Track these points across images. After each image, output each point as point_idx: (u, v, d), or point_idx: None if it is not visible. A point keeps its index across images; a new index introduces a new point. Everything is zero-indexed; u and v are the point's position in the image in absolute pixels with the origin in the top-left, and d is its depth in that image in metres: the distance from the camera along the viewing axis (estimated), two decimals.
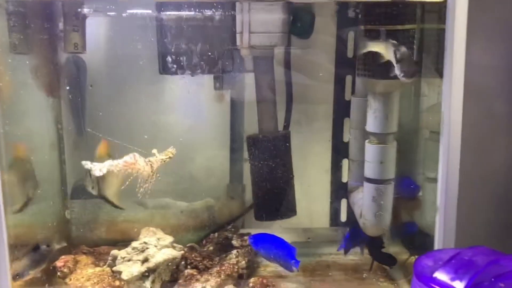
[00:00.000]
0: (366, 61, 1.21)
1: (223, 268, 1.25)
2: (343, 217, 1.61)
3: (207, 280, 1.21)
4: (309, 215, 1.62)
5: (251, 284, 1.23)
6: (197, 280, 1.23)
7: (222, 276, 1.23)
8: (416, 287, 0.81)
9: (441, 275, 0.78)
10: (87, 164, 1.18)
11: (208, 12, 1.36)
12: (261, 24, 1.34)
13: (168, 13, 1.37)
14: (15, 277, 1.20)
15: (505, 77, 1.43)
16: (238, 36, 1.35)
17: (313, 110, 1.58)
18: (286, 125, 1.49)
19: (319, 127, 1.59)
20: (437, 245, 1.09)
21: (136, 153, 1.20)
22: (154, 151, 1.24)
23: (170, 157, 1.24)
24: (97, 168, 1.17)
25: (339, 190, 1.60)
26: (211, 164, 1.60)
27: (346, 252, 1.42)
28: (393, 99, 1.23)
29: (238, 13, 1.33)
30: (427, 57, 1.26)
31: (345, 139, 1.56)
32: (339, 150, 1.58)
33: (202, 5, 1.35)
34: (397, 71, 1.09)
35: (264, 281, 1.23)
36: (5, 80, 1.20)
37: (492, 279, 0.77)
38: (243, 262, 1.33)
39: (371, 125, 1.26)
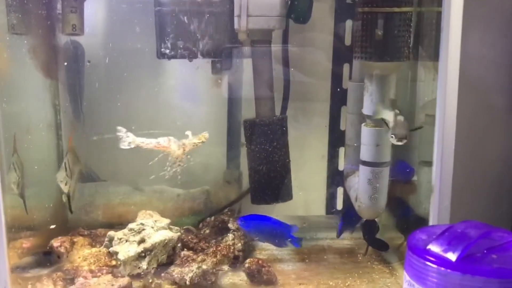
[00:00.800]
0: (363, 44, 1.22)
1: (219, 248, 1.26)
2: (339, 206, 1.62)
3: (203, 260, 1.21)
4: (305, 203, 1.63)
5: (247, 265, 1.23)
6: (193, 260, 1.23)
7: (218, 256, 1.23)
8: (410, 260, 0.82)
9: (435, 247, 0.79)
10: (121, 130, 1.19)
11: None
12: (259, 7, 1.34)
13: None
14: (15, 269, 1.20)
15: (501, 68, 1.44)
16: (236, 19, 1.35)
17: (310, 97, 1.58)
18: (283, 110, 1.50)
19: (316, 114, 1.60)
20: (431, 224, 1.10)
21: (171, 137, 1.22)
22: (188, 133, 1.24)
23: (202, 141, 1.25)
24: (127, 141, 1.18)
25: (335, 179, 1.61)
26: (208, 149, 1.60)
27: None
28: (390, 82, 1.24)
29: None
30: (423, 40, 1.27)
31: (342, 128, 1.57)
32: (336, 138, 1.58)
33: None
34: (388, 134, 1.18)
35: (260, 262, 1.24)
36: (3, 59, 1.20)
37: (485, 251, 0.78)
38: (239, 244, 1.34)
39: (368, 108, 1.27)
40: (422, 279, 0.79)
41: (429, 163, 1.19)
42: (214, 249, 1.26)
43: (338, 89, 1.55)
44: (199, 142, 1.24)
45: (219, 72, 1.50)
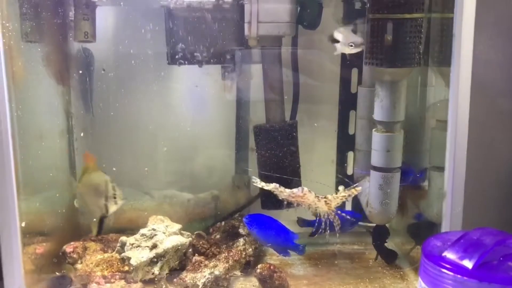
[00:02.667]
0: (373, 50, 1.22)
1: (231, 254, 1.26)
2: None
3: (215, 266, 1.22)
4: None
5: (258, 270, 1.23)
6: (206, 266, 1.24)
7: (230, 262, 1.24)
8: (425, 267, 0.82)
9: (450, 254, 0.79)
10: (256, 181, 1.25)
11: (217, 2, 1.37)
12: (269, 13, 1.35)
13: (176, 2, 1.38)
14: None
15: (509, 72, 1.44)
16: (246, 26, 1.36)
17: (319, 102, 1.59)
18: (293, 115, 1.50)
19: (325, 119, 1.60)
20: (444, 230, 1.11)
21: (306, 187, 1.23)
22: (341, 187, 1.25)
23: (349, 196, 1.23)
24: (261, 185, 1.24)
25: (345, 183, 1.61)
26: (217, 154, 1.62)
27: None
28: (401, 88, 1.25)
29: (247, 3, 1.34)
30: (434, 46, 1.28)
31: (351, 132, 1.57)
32: (345, 143, 1.59)
33: None
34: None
35: (272, 267, 1.24)
36: (18, 67, 1.21)
37: (501, 259, 0.78)
38: (250, 249, 1.35)
39: (378, 113, 1.27)
40: (437, 286, 0.80)
41: (440, 169, 1.19)
42: (226, 254, 1.26)
43: (347, 94, 1.55)
44: (347, 196, 1.23)
45: (229, 78, 1.51)
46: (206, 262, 1.27)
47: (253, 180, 1.27)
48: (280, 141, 1.43)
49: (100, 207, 1.26)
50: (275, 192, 1.23)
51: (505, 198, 1.28)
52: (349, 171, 1.60)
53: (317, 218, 1.36)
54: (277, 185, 1.23)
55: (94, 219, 1.31)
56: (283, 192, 1.22)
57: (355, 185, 1.24)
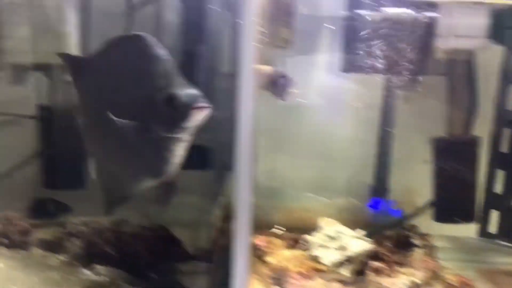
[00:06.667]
0: None
1: (428, 264, 1.26)
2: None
3: (413, 274, 1.22)
4: None
5: (449, 281, 1.22)
6: (396, 271, 1.24)
7: (427, 273, 1.23)
8: None
9: None
10: None
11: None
12: (462, 27, 1.36)
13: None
14: None
15: None
16: (438, 38, 1.37)
17: None
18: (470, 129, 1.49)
19: None
20: None
21: None
22: None
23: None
24: None
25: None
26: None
27: None
28: None
29: (441, 15, 1.35)
30: None
31: None
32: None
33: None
34: None
35: (463, 279, 1.23)
36: None
37: None
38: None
39: None
40: None
41: None
42: (424, 265, 1.25)
43: None
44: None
45: (406, 89, 1.52)
46: (387, 271, 1.26)
47: None
48: (461, 157, 1.42)
49: None
50: None
51: None
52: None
53: None
54: None
55: None
56: None
57: None
